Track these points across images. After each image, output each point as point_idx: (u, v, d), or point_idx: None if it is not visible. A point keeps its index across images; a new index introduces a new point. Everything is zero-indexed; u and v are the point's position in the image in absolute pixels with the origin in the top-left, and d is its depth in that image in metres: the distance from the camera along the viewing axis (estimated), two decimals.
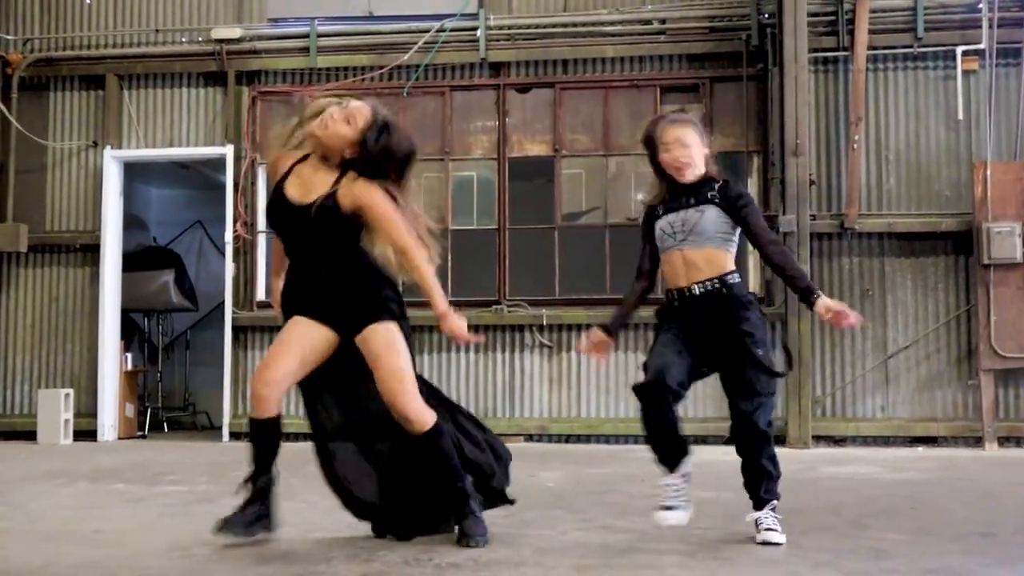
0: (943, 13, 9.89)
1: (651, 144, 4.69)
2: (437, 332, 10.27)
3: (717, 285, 4.52)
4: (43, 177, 11.06)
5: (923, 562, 4.11)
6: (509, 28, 10.44)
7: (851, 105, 9.82)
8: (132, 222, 12.07)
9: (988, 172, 9.49)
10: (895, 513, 5.48)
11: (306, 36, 10.60)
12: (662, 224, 4.65)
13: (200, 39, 10.83)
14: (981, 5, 9.75)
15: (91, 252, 10.90)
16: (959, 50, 9.79)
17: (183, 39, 10.93)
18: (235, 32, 10.60)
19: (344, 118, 4.31)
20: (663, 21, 10.29)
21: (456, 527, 4.47)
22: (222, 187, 12.51)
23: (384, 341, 4.29)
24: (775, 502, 4.61)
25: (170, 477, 7.11)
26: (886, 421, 9.77)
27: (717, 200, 4.59)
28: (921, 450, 9.41)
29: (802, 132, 9.56)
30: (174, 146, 10.88)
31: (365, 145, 4.30)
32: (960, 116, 9.79)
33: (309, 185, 4.36)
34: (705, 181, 4.64)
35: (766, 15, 10.03)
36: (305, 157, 4.43)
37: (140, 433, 11.33)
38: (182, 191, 13.56)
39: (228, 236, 10.53)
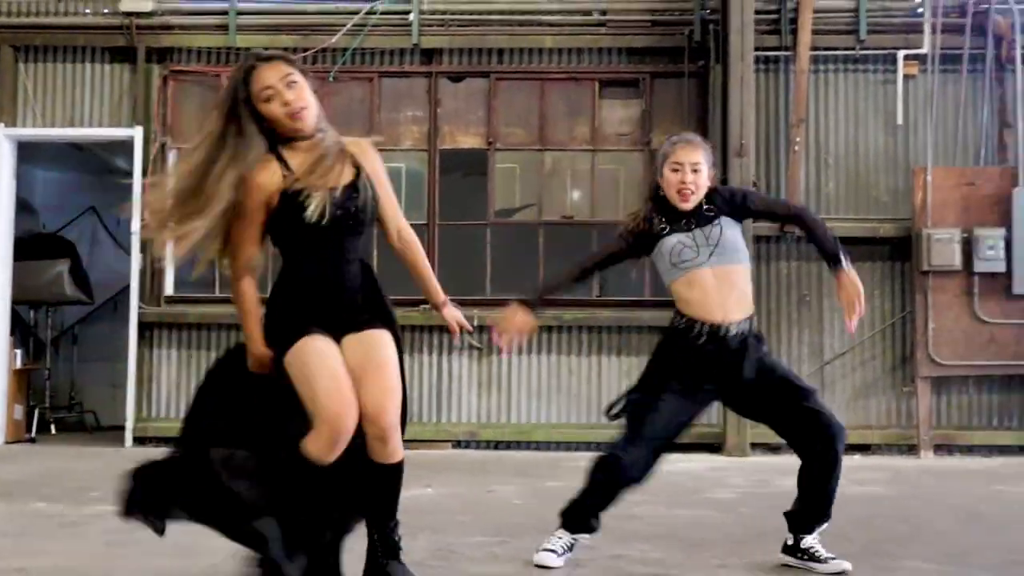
0: (885, 16, 9.80)
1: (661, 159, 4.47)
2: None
3: (748, 328, 4.31)
4: None
5: None
6: (443, 13, 9.95)
7: (792, 106, 9.66)
8: (20, 206, 11.15)
9: (928, 178, 9.44)
10: (902, 536, 5.23)
11: (225, 13, 9.90)
12: (674, 242, 4.33)
13: (106, 11, 10.00)
14: (923, 10, 9.69)
15: None
16: (900, 54, 9.72)
17: (87, 10, 10.08)
18: (146, 5, 9.82)
19: (305, 80, 3.69)
20: (604, 13, 9.95)
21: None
22: (118, 171, 11.79)
23: (391, 352, 3.68)
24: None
25: (95, 493, 6.42)
26: None
27: (717, 212, 4.38)
28: (858, 458, 9.28)
29: (747, 132, 9.35)
30: (75, 126, 10.03)
31: None
32: (900, 121, 9.72)
33: (327, 174, 3.67)
34: (698, 210, 4.40)
35: (709, 11, 9.78)
36: (274, 157, 3.68)
37: (28, 436, 10.44)
38: (74, 174, 12.64)
39: (135, 226, 9.74)
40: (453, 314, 3.99)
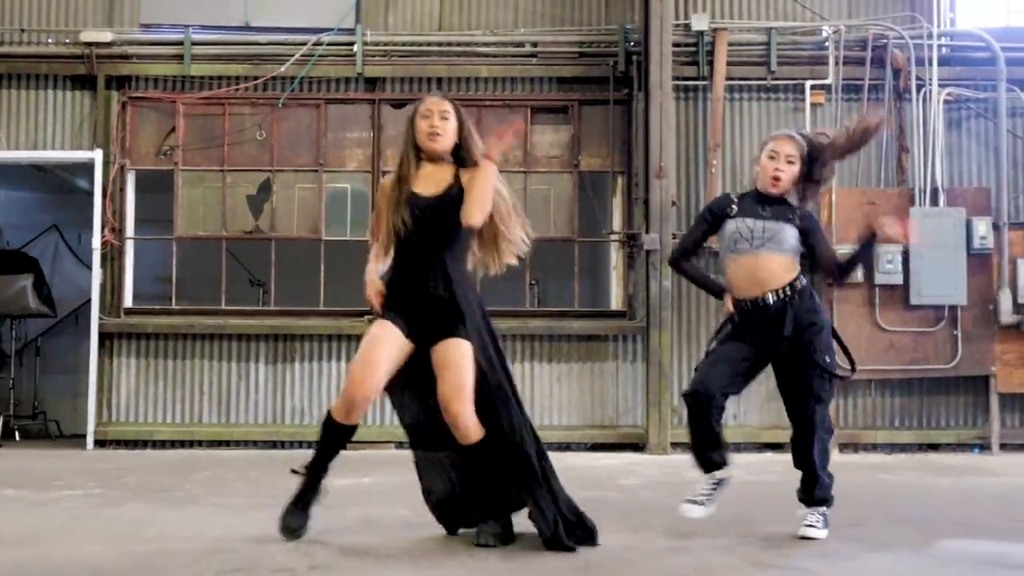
0: (794, 49, 10.62)
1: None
2: (309, 342, 10.41)
3: (788, 292, 4.92)
4: None
5: (817, 548, 4.60)
6: (385, 44, 10.66)
7: (710, 131, 10.44)
8: None
9: (833, 197, 10.24)
10: (772, 510, 5.95)
11: (180, 43, 10.55)
12: (739, 226, 4.98)
13: (68, 41, 10.64)
14: (828, 44, 10.52)
15: None
16: (808, 84, 10.52)
17: (49, 40, 10.73)
18: (106, 36, 10.47)
19: (441, 116, 4.78)
20: (535, 44, 10.71)
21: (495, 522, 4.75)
22: (78, 191, 12.39)
23: (459, 356, 4.60)
24: (825, 508, 5.04)
25: (59, 483, 7.06)
26: (738, 428, 10.35)
27: (796, 223, 5.00)
28: (770, 455, 10.03)
29: (666, 156, 10.10)
30: (38, 149, 10.64)
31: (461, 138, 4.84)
32: None
33: (438, 183, 4.76)
34: (783, 201, 5.05)
35: (632, 43, 10.56)
36: (409, 168, 4.82)
37: None
38: (35, 194, 13.23)
39: (96, 242, 10.38)
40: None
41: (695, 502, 4.99)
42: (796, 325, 4.92)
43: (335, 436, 4.68)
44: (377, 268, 4.86)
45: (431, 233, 4.69)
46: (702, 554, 4.51)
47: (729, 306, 5.08)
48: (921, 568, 4.28)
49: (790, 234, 4.99)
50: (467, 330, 4.64)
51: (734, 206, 5.08)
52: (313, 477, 4.71)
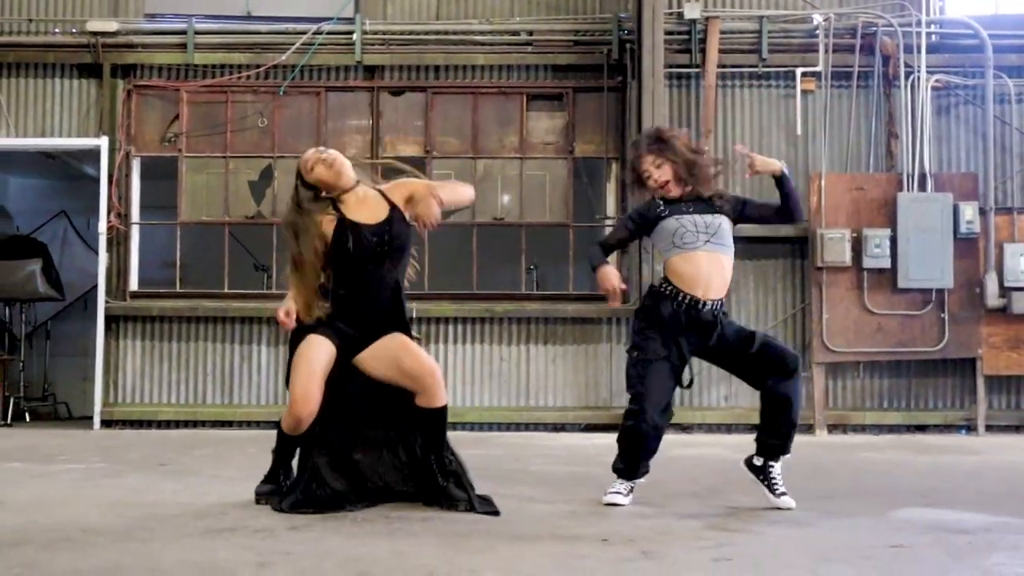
0: (785, 37, 10.80)
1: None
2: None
3: (720, 309, 5.14)
4: None
5: (779, 515, 4.82)
6: (384, 33, 10.89)
7: (702, 118, 10.64)
8: None
9: (823, 183, 10.45)
10: (745, 484, 6.17)
11: (183, 32, 10.81)
12: (681, 222, 5.12)
13: (74, 31, 10.90)
14: (818, 32, 10.70)
15: None
16: (798, 71, 10.71)
17: (56, 30, 10.99)
18: (111, 25, 10.72)
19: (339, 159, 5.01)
20: (530, 33, 10.92)
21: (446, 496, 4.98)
22: (87, 177, 12.65)
23: (404, 340, 4.98)
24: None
25: (62, 457, 7.34)
26: (729, 410, 10.60)
27: (725, 209, 5.21)
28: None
29: None
30: (46, 136, 10.92)
31: None
32: (799, 131, 10.72)
33: (370, 210, 5.01)
34: (694, 196, 5.23)
35: (626, 31, 10.76)
36: (332, 203, 5.03)
37: (3, 422, 11.28)
38: (45, 181, 13.50)
39: (102, 227, 10.65)
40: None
41: (618, 493, 5.21)
42: (719, 333, 5.14)
43: (289, 445, 5.03)
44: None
45: (385, 258, 4.96)
46: (665, 519, 4.75)
47: (615, 282, 5.23)
48: (873, 533, 4.50)
49: (727, 226, 5.23)
50: (402, 327, 5.02)
51: (663, 207, 5.23)
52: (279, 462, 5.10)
